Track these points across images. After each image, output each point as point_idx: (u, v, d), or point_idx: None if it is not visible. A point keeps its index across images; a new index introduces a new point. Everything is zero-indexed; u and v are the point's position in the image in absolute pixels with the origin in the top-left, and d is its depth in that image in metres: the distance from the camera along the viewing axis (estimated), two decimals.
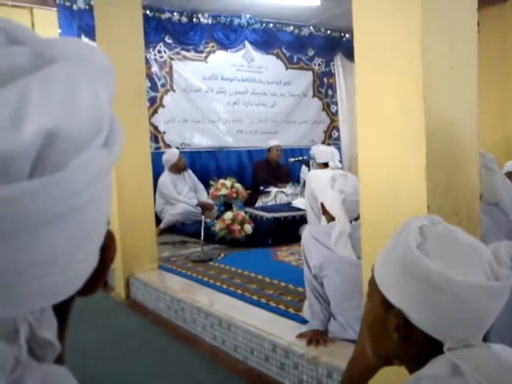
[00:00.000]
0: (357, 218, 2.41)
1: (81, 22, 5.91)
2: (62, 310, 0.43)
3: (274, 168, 6.65)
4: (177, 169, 6.15)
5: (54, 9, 5.85)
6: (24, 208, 0.33)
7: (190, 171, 6.34)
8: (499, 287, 0.83)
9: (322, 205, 2.49)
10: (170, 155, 6.14)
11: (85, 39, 5.89)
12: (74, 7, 5.90)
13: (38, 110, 0.34)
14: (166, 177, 6.08)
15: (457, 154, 1.74)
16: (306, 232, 2.53)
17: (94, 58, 0.40)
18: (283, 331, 2.65)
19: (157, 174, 5.86)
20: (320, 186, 2.47)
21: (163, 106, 6.66)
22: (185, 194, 6.10)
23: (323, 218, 2.60)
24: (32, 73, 0.35)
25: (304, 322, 2.65)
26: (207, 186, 5.70)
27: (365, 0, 1.81)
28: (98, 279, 0.44)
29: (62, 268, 0.38)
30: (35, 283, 0.36)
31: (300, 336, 2.50)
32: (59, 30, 5.83)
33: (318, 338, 2.43)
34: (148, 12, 6.30)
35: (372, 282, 0.95)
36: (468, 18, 1.80)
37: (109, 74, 0.41)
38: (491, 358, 0.83)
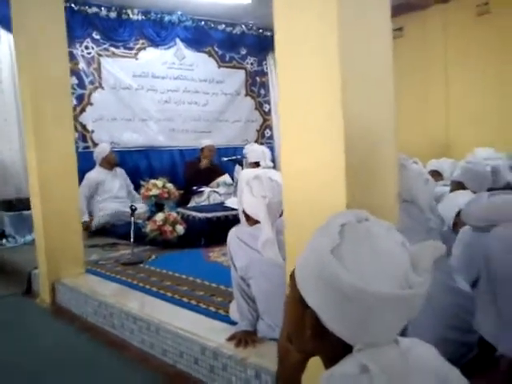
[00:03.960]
0: (280, 215, 2.41)
1: None
2: None
3: (206, 167, 6.59)
4: (108, 163, 6.01)
5: None
6: None
7: (121, 169, 6.20)
8: (411, 296, 0.83)
9: (244, 212, 2.43)
10: (101, 148, 6.06)
11: (2, 31, 5.59)
12: None
13: None
14: (94, 172, 5.92)
15: (376, 155, 1.78)
16: (231, 233, 2.50)
17: None
18: (212, 333, 2.63)
19: (85, 174, 5.69)
20: (241, 190, 2.42)
21: (91, 104, 6.46)
22: (115, 191, 5.94)
23: None
24: None
25: (234, 323, 2.64)
26: (138, 186, 5.58)
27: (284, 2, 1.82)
28: None
29: None
30: None
31: (230, 339, 2.48)
32: None
33: (246, 338, 2.42)
34: (73, 5, 6.08)
35: (293, 278, 0.96)
36: (383, 23, 1.84)
37: None
38: (397, 356, 0.86)
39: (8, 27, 5.16)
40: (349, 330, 0.86)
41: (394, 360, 0.85)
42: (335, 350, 0.89)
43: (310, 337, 0.90)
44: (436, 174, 4.46)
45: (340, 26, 1.59)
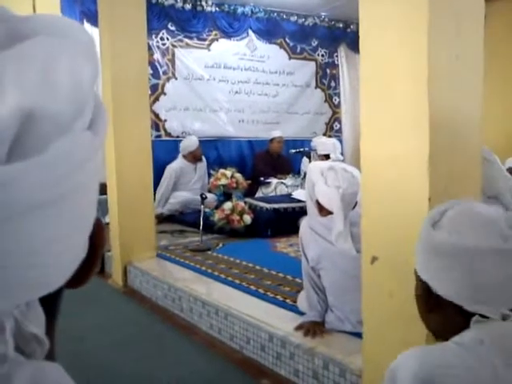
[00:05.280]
0: (354, 207, 2.38)
1: (83, 7, 5.84)
2: (49, 304, 0.41)
3: (274, 159, 6.61)
4: (193, 157, 6.07)
5: None
6: (2, 196, 0.30)
7: (204, 162, 6.24)
8: (506, 250, 0.88)
9: (318, 202, 2.42)
10: (190, 142, 6.09)
11: (87, 24, 5.84)
12: None
13: (12, 88, 0.31)
14: (177, 163, 6.01)
15: (460, 147, 1.72)
16: (304, 223, 2.50)
17: (74, 34, 0.37)
18: (280, 321, 2.65)
19: (157, 162, 5.83)
20: (315, 181, 2.39)
21: (165, 94, 6.61)
22: (192, 184, 6.03)
23: None
24: (5, 49, 0.33)
25: (302, 313, 2.64)
26: (207, 176, 5.67)
27: None
28: (87, 270, 0.42)
29: (46, 259, 0.35)
30: (18, 275, 0.34)
31: (298, 328, 2.49)
32: (61, 15, 5.77)
33: (315, 329, 2.42)
34: None
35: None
36: (475, 8, 1.77)
37: (91, 51, 0.38)
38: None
39: (94, 22, 5.37)
40: (458, 291, 0.91)
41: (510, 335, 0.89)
42: (455, 323, 0.93)
43: (427, 310, 0.98)
44: None
45: (430, 8, 1.54)
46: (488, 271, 0.88)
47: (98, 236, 0.42)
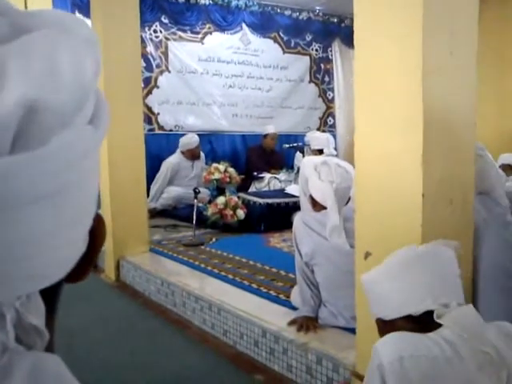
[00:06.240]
0: (347, 202, 2.37)
1: None
2: (49, 297, 0.41)
3: (268, 154, 6.59)
4: (192, 155, 6.02)
5: None
6: (5, 186, 0.31)
7: (202, 159, 6.17)
8: (407, 258, 1.18)
9: (311, 197, 2.40)
10: (191, 140, 6.01)
11: (79, 15, 5.78)
12: None
13: (16, 80, 0.31)
14: (174, 158, 5.97)
15: (454, 142, 1.72)
16: (297, 218, 2.49)
17: (77, 28, 0.37)
18: (273, 317, 2.64)
19: (150, 155, 5.80)
20: (308, 176, 2.37)
21: (158, 87, 6.56)
22: (187, 180, 5.98)
23: None
24: (9, 42, 0.33)
25: (295, 308, 2.64)
26: None
27: None
28: (87, 265, 0.42)
29: (48, 250, 0.36)
30: (19, 266, 0.34)
31: (291, 323, 2.49)
32: (52, 7, 5.71)
33: (308, 324, 2.42)
34: None
35: None
36: (470, 5, 1.76)
37: (94, 45, 0.38)
38: (470, 315, 1.09)
39: (85, 13, 5.32)
40: (398, 305, 1.13)
41: (466, 318, 1.07)
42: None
43: None
44: (508, 169, 4.26)
45: (424, 4, 1.53)
46: (410, 276, 1.13)
47: (98, 230, 0.43)
